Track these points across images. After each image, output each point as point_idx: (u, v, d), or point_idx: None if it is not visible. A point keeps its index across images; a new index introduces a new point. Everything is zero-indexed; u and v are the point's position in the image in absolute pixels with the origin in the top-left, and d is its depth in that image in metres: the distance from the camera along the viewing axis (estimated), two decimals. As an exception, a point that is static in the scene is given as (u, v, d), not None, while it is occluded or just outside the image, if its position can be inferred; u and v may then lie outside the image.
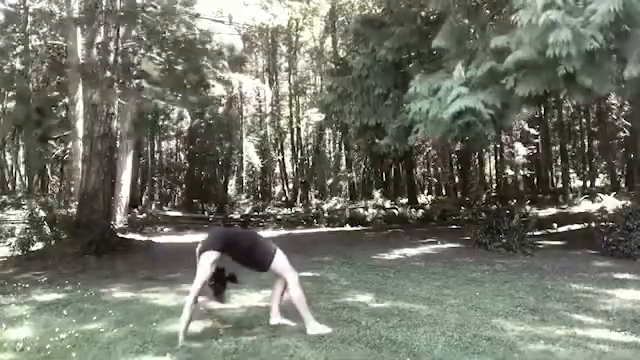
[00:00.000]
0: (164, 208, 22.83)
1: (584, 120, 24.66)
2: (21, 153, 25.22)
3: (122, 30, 10.18)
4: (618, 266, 6.62)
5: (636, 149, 14.33)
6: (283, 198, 27.00)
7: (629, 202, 8.53)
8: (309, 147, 28.79)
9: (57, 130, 15.61)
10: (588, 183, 24.41)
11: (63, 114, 16.99)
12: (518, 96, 6.68)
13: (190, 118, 21.77)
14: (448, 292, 5.16)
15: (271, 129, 28.96)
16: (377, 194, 20.46)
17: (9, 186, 24.54)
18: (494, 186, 25.15)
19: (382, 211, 16.35)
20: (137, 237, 11.55)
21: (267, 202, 23.72)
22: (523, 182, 24.21)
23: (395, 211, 16.60)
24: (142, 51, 10.63)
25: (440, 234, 10.75)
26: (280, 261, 3.89)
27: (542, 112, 20.91)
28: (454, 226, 12.78)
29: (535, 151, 22.73)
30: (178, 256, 8.86)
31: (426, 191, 29.17)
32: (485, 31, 8.16)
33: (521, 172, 22.39)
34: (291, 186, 28.45)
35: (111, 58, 9.89)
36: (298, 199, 23.91)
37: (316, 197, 23.01)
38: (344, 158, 27.70)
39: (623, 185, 21.68)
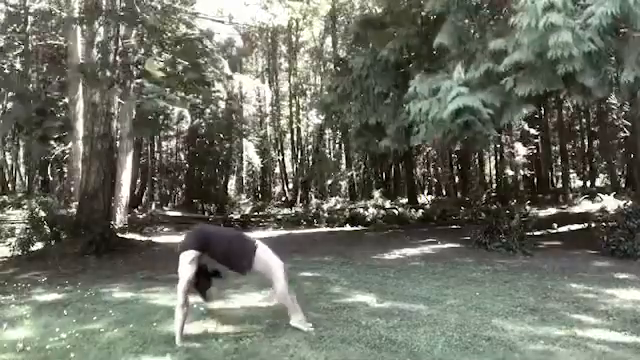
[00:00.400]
0: (164, 208, 22.82)
1: (584, 120, 24.66)
2: (21, 153, 25.21)
3: (122, 30, 10.17)
4: (618, 266, 6.62)
5: (636, 149, 14.31)
6: (283, 198, 27.00)
7: (630, 202, 8.51)
8: (309, 147, 28.78)
9: (57, 130, 15.59)
10: (588, 183, 24.42)
11: (63, 114, 16.97)
12: (517, 96, 6.70)
13: (190, 118, 21.76)
14: (448, 292, 5.16)
15: (271, 129, 28.96)
16: (377, 194, 20.44)
17: (9, 186, 24.54)
18: (494, 186, 25.12)
19: (382, 211, 16.32)
20: (137, 237, 11.54)
21: (267, 202, 23.71)
22: (523, 182, 24.17)
23: (395, 211, 16.58)
24: (142, 51, 10.63)
25: (440, 234, 10.75)
26: (261, 262, 3.77)
27: (542, 112, 20.91)
28: (454, 226, 12.78)
29: (535, 151, 22.71)
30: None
31: (426, 191, 29.16)
32: (484, 32, 8.17)
33: (521, 172, 22.34)
34: (291, 186, 28.45)
35: (111, 58, 9.89)
36: (298, 199, 23.90)
37: (316, 197, 22.99)
38: (344, 158, 27.69)
39: (623, 185, 21.67)
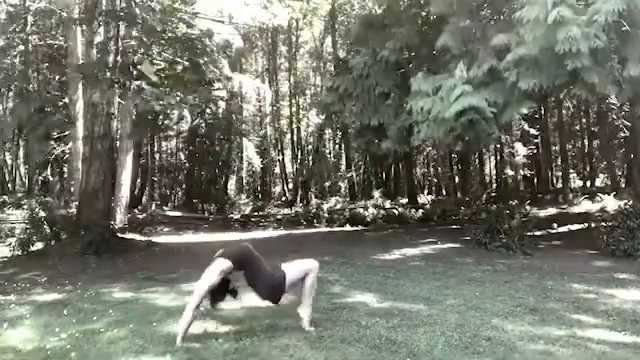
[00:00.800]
0: (164, 208, 22.82)
1: (584, 120, 24.66)
2: (21, 153, 25.22)
3: (122, 30, 10.16)
4: (618, 266, 6.63)
5: (636, 149, 14.29)
6: (283, 198, 27.00)
7: (630, 202, 8.52)
8: (309, 147, 28.79)
9: (59, 125, 15.57)
10: (588, 183, 24.42)
11: (63, 114, 16.97)
12: (520, 92, 6.71)
13: (190, 118, 21.76)
14: (448, 292, 5.16)
15: (271, 129, 28.96)
16: (377, 194, 20.45)
17: (9, 186, 24.54)
18: (494, 186, 25.14)
19: (382, 211, 16.33)
20: (137, 237, 11.54)
21: (267, 202, 23.71)
22: (523, 182, 24.19)
23: (395, 211, 16.59)
24: (142, 50, 10.61)
25: (440, 234, 10.75)
26: (292, 275, 3.77)
27: (542, 112, 20.91)
28: (454, 226, 12.78)
29: (535, 151, 22.72)
30: (178, 256, 8.87)
31: (426, 191, 29.18)
32: (486, 31, 8.18)
33: (521, 172, 22.36)
34: (291, 186, 28.45)
35: (111, 58, 9.88)
36: (298, 199, 23.90)
37: (316, 197, 23.00)
38: (344, 158, 27.69)
39: (623, 185, 21.66)
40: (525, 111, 8.38)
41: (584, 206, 16.05)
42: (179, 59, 11.49)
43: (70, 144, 15.43)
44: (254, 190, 30.27)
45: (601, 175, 26.54)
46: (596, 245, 7.86)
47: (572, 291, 5.16)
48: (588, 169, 26.42)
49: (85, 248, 8.55)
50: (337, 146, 29.35)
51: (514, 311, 4.34)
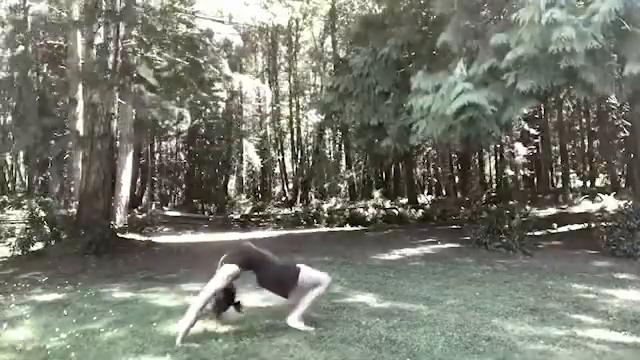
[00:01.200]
0: (164, 208, 22.83)
1: (584, 120, 24.65)
2: (21, 153, 25.21)
3: (122, 30, 10.15)
4: (618, 266, 6.63)
5: (636, 149, 14.29)
6: (283, 198, 27.00)
7: (630, 202, 8.51)
8: (309, 147, 28.79)
9: (57, 130, 15.55)
10: (588, 183, 24.41)
11: (63, 114, 16.96)
12: (519, 92, 6.72)
13: (190, 118, 21.73)
14: (448, 292, 5.16)
15: (271, 129, 28.96)
16: (377, 194, 20.45)
17: (9, 186, 24.55)
18: (494, 186, 25.15)
19: (382, 211, 16.32)
20: (137, 237, 11.54)
21: (267, 202, 23.71)
22: (523, 182, 24.19)
23: (395, 211, 16.58)
24: (142, 51, 10.61)
25: (440, 234, 10.76)
26: (305, 277, 3.83)
27: (542, 112, 20.90)
28: (454, 226, 12.76)
29: (535, 151, 22.72)
30: (178, 256, 8.87)
31: (426, 191, 29.19)
32: (486, 30, 8.18)
33: (521, 172, 22.36)
34: (291, 186, 28.45)
35: (111, 58, 9.88)
36: (298, 199, 23.90)
37: (316, 197, 23.01)
38: (344, 158, 27.70)
39: (623, 185, 21.66)
40: (525, 111, 8.37)
41: (584, 206, 16.04)
42: (179, 59, 11.49)
43: (70, 144, 15.42)
44: (254, 190, 30.27)
45: (601, 175, 26.54)
46: (596, 245, 7.86)
47: (572, 291, 5.16)
48: (588, 169, 26.43)
49: (85, 248, 8.55)
50: (337, 146, 29.35)
51: (514, 311, 4.34)
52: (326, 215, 16.02)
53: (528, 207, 11.32)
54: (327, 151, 29.88)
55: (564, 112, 23.13)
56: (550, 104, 19.50)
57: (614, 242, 7.44)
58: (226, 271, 3.68)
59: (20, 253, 8.75)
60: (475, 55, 7.76)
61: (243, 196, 25.94)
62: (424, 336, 3.63)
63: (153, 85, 10.12)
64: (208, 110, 21.26)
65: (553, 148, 25.15)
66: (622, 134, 20.87)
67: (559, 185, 24.73)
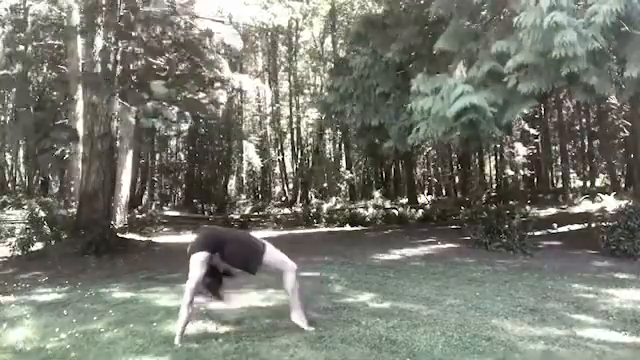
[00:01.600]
0: (164, 208, 22.82)
1: (584, 120, 24.66)
2: (21, 153, 25.23)
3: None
4: (618, 266, 6.62)
5: (636, 149, 14.31)
6: (283, 198, 27.03)
7: (630, 202, 8.51)
8: (309, 147, 28.80)
9: (57, 130, 15.55)
10: (588, 183, 24.41)
11: (63, 114, 16.96)
12: (520, 94, 6.71)
13: (190, 118, 21.72)
14: (448, 292, 5.15)
15: (271, 129, 28.96)
16: (377, 194, 20.47)
17: (9, 186, 24.55)
18: (494, 186, 25.15)
19: (382, 211, 16.33)
20: (137, 237, 11.54)
21: (267, 202, 23.72)
22: (523, 182, 24.21)
23: (395, 211, 16.58)
24: (141, 51, 10.59)
25: (440, 234, 10.75)
26: (271, 257, 3.88)
27: (542, 112, 20.92)
28: (454, 226, 12.75)
29: (535, 151, 22.73)
30: (178, 256, 8.84)
31: (426, 191, 29.18)
32: (485, 33, 8.18)
33: (521, 172, 22.38)
34: (291, 186, 28.47)
35: (111, 58, 9.87)
36: (298, 199, 23.92)
37: (316, 197, 23.00)
38: (344, 158, 27.70)
39: (623, 185, 21.67)
40: (525, 111, 8.37)
41: (584, 206, 16.03)
42: (179, 59, 11.48)
43: (70, 144, 15.41)
44: (254, 190, 30.29)
45: (601, 175, 26.54)
46: (596, 245, 7.85)
47: (572, 291, 5.16)
48: (588, 169, 26.42)
49: (85, 248, 8.55)
50: (337, 146, 29.36)
51: (514, 311, 4.34)
52: (326, 215, 16.03)
53: (528, 207, 11.33)
54: (327, 151, 29.89)
55: (564, 112, 23.16)
56: (550, 104, 19.53)
57: (614, 242, 7.43)
58: (197, 260, 3.66)
59: (20, 253, 8.76)
60: (475, 57, 7.76)
61: (243, 196, 25.97)
62: (424, 336, 3.63)
63: (154, 91, 10.10)
64: (208, 110, 21.27)
65: (553, 148, 25.18)
66: (622, 134, 20.89)
67: (559, 185, 24.74)
